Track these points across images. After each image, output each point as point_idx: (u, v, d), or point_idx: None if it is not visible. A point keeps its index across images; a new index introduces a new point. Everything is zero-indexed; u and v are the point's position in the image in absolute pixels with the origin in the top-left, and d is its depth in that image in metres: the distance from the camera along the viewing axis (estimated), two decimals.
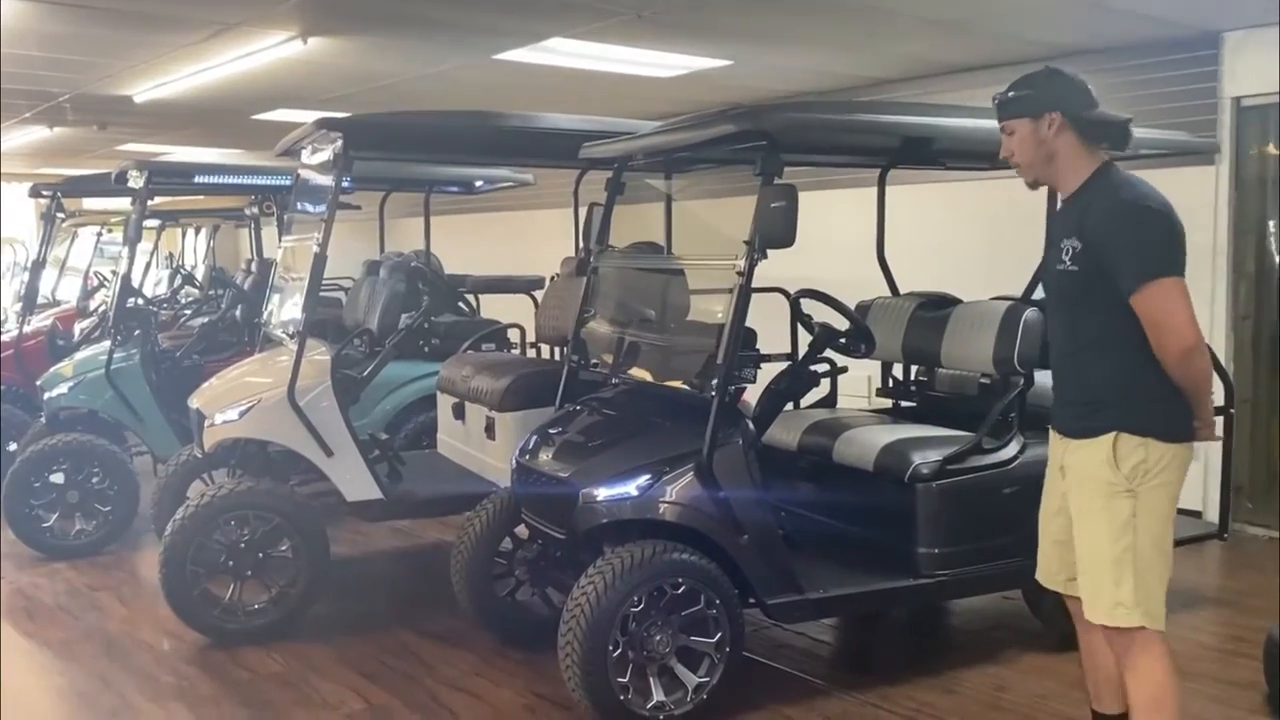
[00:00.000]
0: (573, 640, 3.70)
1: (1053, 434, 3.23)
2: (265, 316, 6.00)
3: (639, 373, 4.46)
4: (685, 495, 3.85)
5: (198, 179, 7.37)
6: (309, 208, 5.87)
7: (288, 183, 7.58)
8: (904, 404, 5.44)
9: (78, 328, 8.82)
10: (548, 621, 4.71)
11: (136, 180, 6.73)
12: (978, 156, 5.44)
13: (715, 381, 3.85)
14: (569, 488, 4.00)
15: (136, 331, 6.85)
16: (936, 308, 5.11)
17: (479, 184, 7.87)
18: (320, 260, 4.97)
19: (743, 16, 6.08)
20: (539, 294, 7.46)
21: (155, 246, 12.14)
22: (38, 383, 6.88)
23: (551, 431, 4.48)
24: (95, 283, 10.73)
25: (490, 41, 6.60)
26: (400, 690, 4.31)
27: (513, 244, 10.93)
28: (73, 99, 8.40)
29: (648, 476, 3.87)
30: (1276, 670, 4.09)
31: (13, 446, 7.12)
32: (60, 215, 8.79)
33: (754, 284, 3.89)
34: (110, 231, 11.23)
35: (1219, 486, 5.06)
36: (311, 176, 6.00)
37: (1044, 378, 4.73)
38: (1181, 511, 3.20)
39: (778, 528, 4.02)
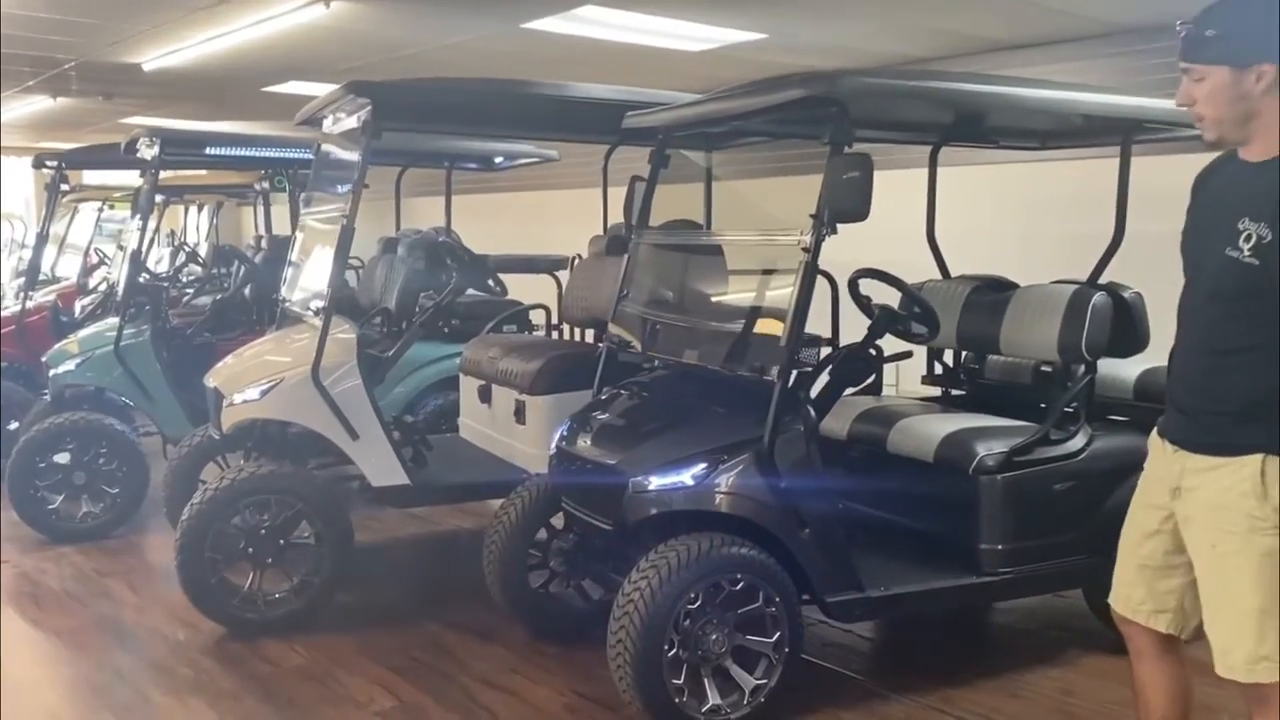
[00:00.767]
0: (625, 639, 3.46)
1: (1160, 444, 2.74)
2: (283, 293, 5.74)
3: (688, 356, 4.20)
4: (744, 485, 3.62)
5: (211, 150, 7.07)
6: (331, 181, 5.59)
7: (306, 156, 7.33)
8: (954, 392, 5.20)
9: (78, 305, 8.56)
10: (584, 616, 4.51)
11: (148, 150, 6.46)
12: (1035, 135, 5.23)
13: (779, 366, 3.61)
14: (617, 476, 3.77)
15: (146, 308, 6.60)
16: (993, 291, 4.87)
17: (499, 160, 7.63)
18: (348, 233, 4.71)
19: None
20: (562, 275, 7.26)
21: (157, 224, 11.88)
22: (42, 359, 6.62)
23: (594, 416, 4.23)
24: (95, 260, 10.46)
25: (521, 8, 6.34)
26: (432, 687, 4.08)
27: (530, 225, 10.69)
28: (79, 66, 8.12)
29: (703, 465, 3.63)
30: None
31: (14, 425, 6.86)
32: (64, 187, 8.51)
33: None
34: (112, 208, 10.95)
35: None
36: (333, 149, 5.74)
37: (1106, 366, 4.54)
38: None
39: (839, 521, 3.78)
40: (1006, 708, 3.89)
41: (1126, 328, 4.39)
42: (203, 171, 10.93)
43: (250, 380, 4.79)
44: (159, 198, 10.66)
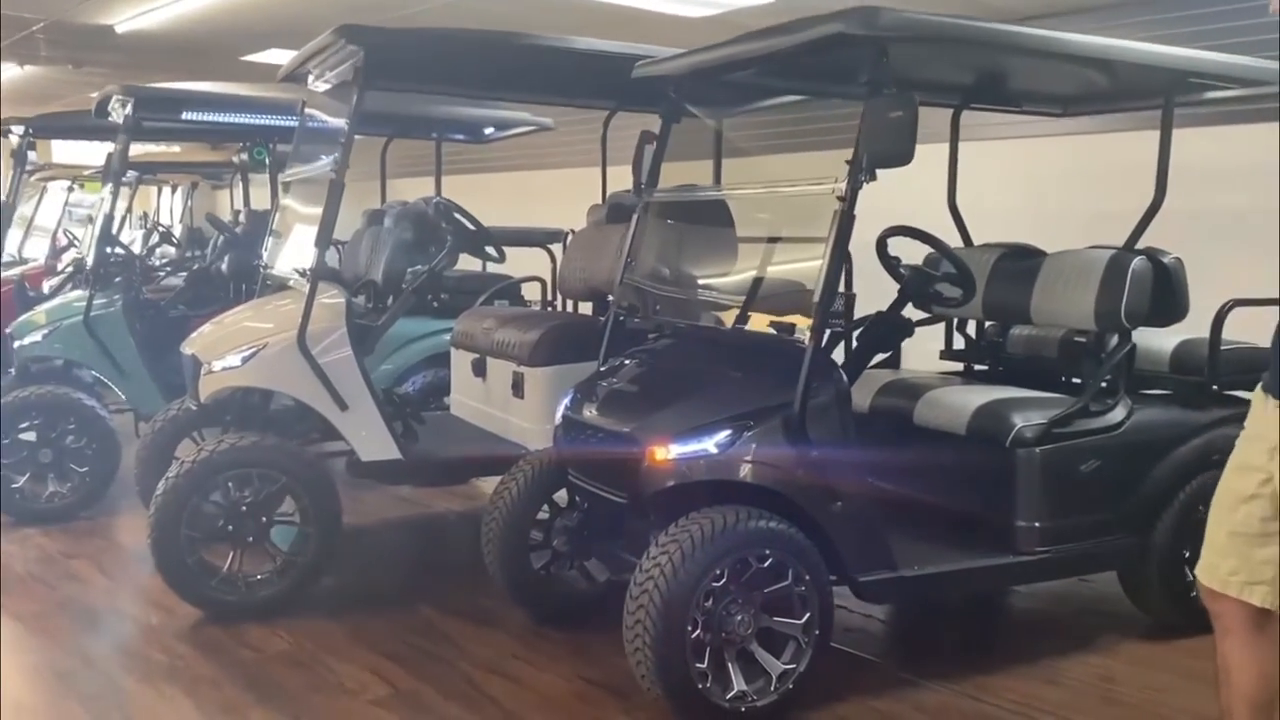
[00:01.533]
0: (645, 619, 3.18)
1: (1263, 401, 2.52)
2: (265, 258, 5.42)
3: (707, 319, 3.92)
4: (773, 454, 3.35)
5: (188, 115, 6.71)
6: (317, 143, 5.27)
7: (288, 123, 6.99)
8: (976, 367, 4.95)
9: (46, 286, 8.18)
10: (589, 598, 4.24)
11: (120, 110, 6.11)
12: (1062, 98, 4.99)
13: (811, 325, 3.33)
14: (632, 444, 3.48)
15: (117, 279, 6.25)
16: (1021, 259, 4.62)
17: (489, 130, 7.32)
18: (338, 187, 4.40)
19: None
20: (555, 249, 6.97)
21: (129, 203, 11.48)
22: (6, 330, 6.26)
23: (603, 384, 3.95)
24: (64, 242, 10.06)
25: None
26: (430, 674, 3.78)
27: (521, 204, 10.33)
28: (48, 28, 7.73)
29: (728, 432, 3.35)
30: None
31: None
32: (31, 157, 8.13)
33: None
34: (82, 188, 10.55)
35: None
36: (319, 111, 5.42)
37: (1140, 337, 4.29)
38: None
39: (873, 494, 3.51)
40: (1046, 695, 3.63)
41: (1166, 295, 4.14)
42: (177, 149, 10.55)
43: (231, 346, 4.47)
44: (130, 174, 10.34)
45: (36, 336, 5.95)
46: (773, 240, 3.97)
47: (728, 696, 3.28)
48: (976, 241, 4.97)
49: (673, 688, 3.20)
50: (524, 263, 6.67)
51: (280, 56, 8.56)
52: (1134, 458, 4.01)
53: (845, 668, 3.81)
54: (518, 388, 4.87)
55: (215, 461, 4.16)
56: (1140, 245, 4.12)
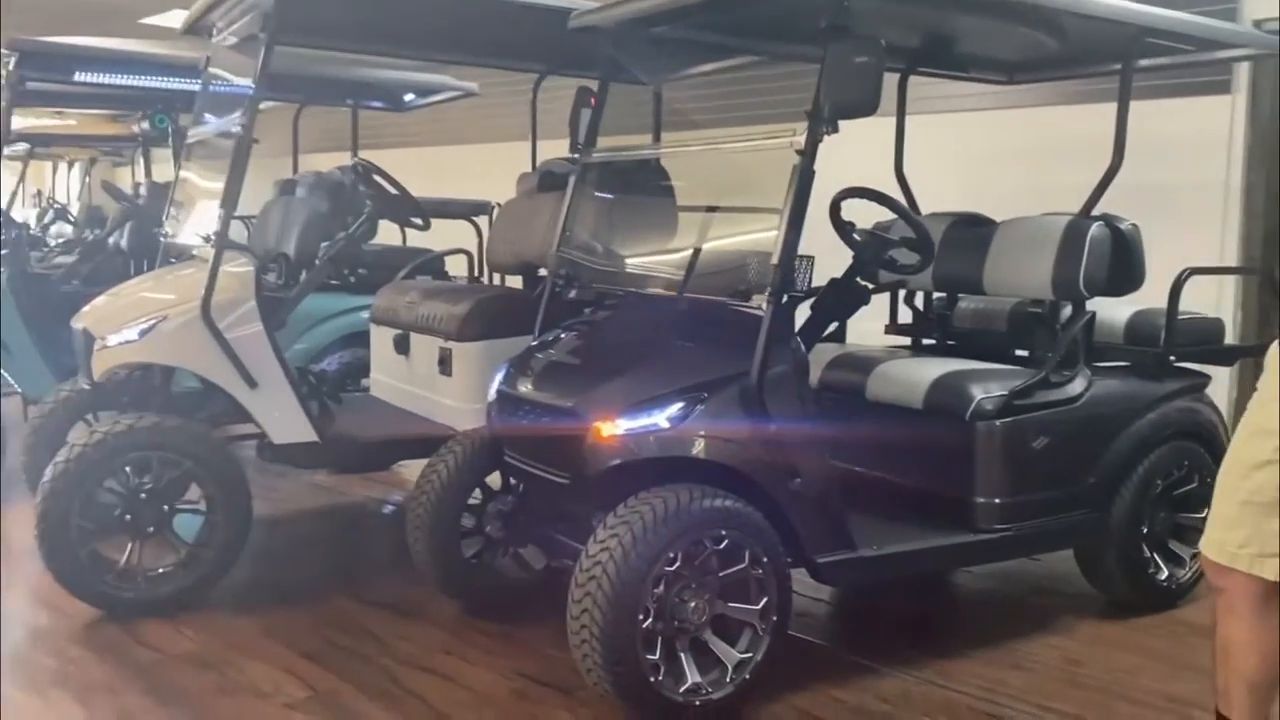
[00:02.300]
0: (592, 608, 2.91)
1: (1277, 359, 2.31)
2: (166, 227, 5.00)
3: (654, 285, 3.65)
4: (729, 428, 3.10)
5: (81, 75, 6.20)
6: (221, 104, 4.87)
7: (191, 86, 6.54)
8: (924, 341, 4.77)
9: None
10: (524, 587, 3.97)
11: (3, 65, 5.62)
12: (1008, 64, 4.83)
13: (770, 289, 3.09)
14: (576, 420, 3.21)
15: (2, 251, 5.77)
16: (971, 227, 4.45)
17: (409, 97, 6.95)
18: (244, 145, 4.03)
19: None
20: (481, 222, 6.64)
21: (21, 179, 10.81)
22: None
23: (541, 357, 3.67)
24: None
25: None
26: (352, 673, 3.46)
27: (440, 180, 9.95)
28: None
29: (680, 405, 3.09)
30: None
31: None
32: None
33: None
34: None
35: None
36: (223, 70, 5.02)
37: (1095, 307, 4.15)
38: None
39: (831, 471, 3.29)
40: (1012, 680, 3.46)
41: (1123, 263, 4.00)
42: (72, 121, 9.92)
43: (128, 319, 4.07)
44: (20, 146, 9.70)
45: None
46: (724, 205, 3.71)
47: (681, 690, 3.03)
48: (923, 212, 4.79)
49: (622, 682, 2.94)
50: (447, 236, 6.33)
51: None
52: (1093, 431, 3.87)
53: (799, 655, 3.59)
54: (445, 364, 4.56)
55: (111, 445, 3.78)
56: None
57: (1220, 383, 4.72)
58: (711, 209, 3.94)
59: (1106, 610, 4.05)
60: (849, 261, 3.55)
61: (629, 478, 3.18)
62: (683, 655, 3.05)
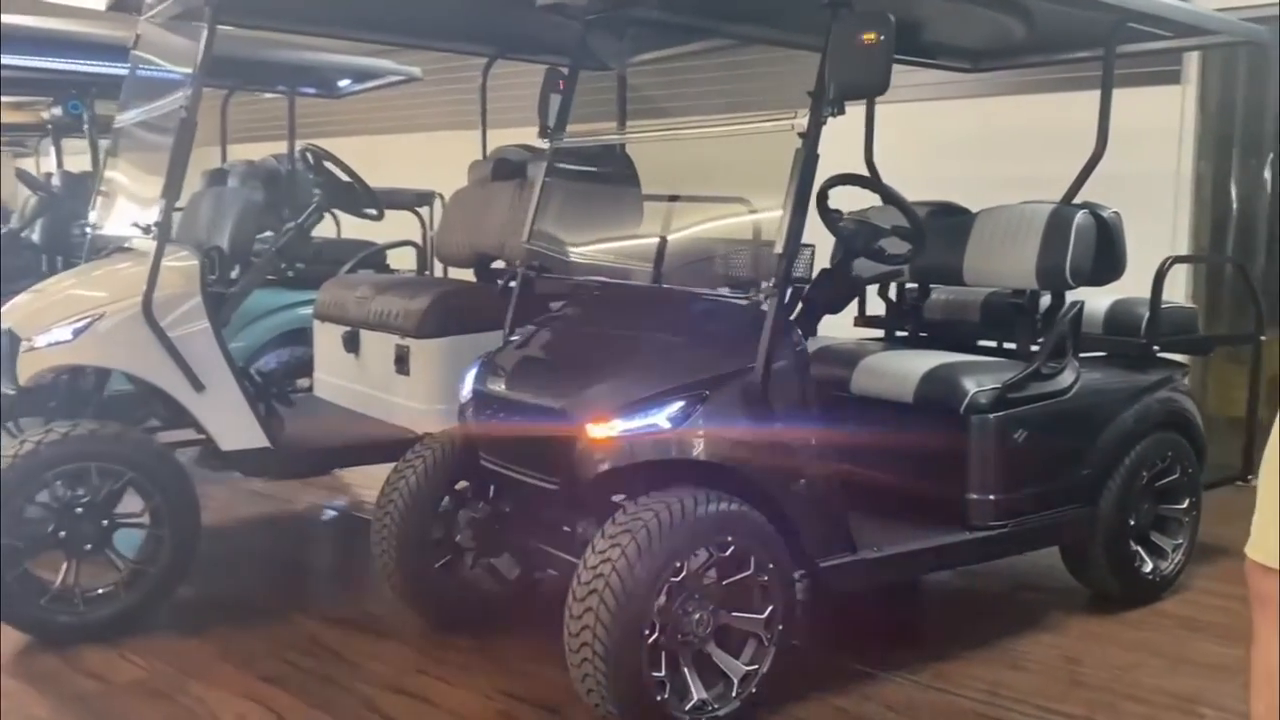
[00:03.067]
0: (594, 624, 2.71)
1: None
2: (92, 219, 4.64)
3: (639, 277, 3.46)
4: (733, 428, 2.93)
5: None
6: (154, 87, 4.52)
7: (109, 70, 6.14)
8: (898, 334, 4.66)
9: None
10: (497, 599, 3.73)
11: None
12: (982, 50, 4.75)
13: (773, 281, 2.92)
14: (566, 421, 3.00)
15: None
16: (948, 216, 4.35)
17: (344, 83, 6.63)
18: (188, 128, 3.73)
19: None
20: (424, 212, 6.38)
21: None
22: None
23: (521, 354, 3.45)
24: None
25: None
26: (321, 697, 3.21)
27: (379, 170, 9.61)
28: None
29: (680, 404, 2.91)
30: None
31: None
32: None
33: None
34: None
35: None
36: (153, 48, 4.65)
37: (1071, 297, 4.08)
38: None
39: (833, 470, 3.13)
40: (1013, 682, 3.35)
41: (1106, 251, 3.93)
42: None
43: (58, 318, 3.73)
44: None
45: None
46: (709, 193, 3.54)
47: (687, 708, 2.85)
48: None
49: (628, 702, 2.75)
50: (389, 228, 6.04)
51: None
52: (1083, 423, 3.79)
53: (795, 663, 3.42)
54: (402, 363, 4.31)
55: (44, 455, 3.44)
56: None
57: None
58: (695, 198, 3.79)
59: (1092, 604, 3.98)
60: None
61: (623, 482, 2.99)
62: (687, 670, 2.87)
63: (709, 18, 3.91)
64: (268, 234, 6.11)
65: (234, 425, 3.84)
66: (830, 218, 3.48)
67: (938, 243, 4.19)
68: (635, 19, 3.92)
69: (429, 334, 4.23)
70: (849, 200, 3.59)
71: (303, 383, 5.40)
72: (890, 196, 3.52)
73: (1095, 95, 4.00)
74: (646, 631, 2.74)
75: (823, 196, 3.53)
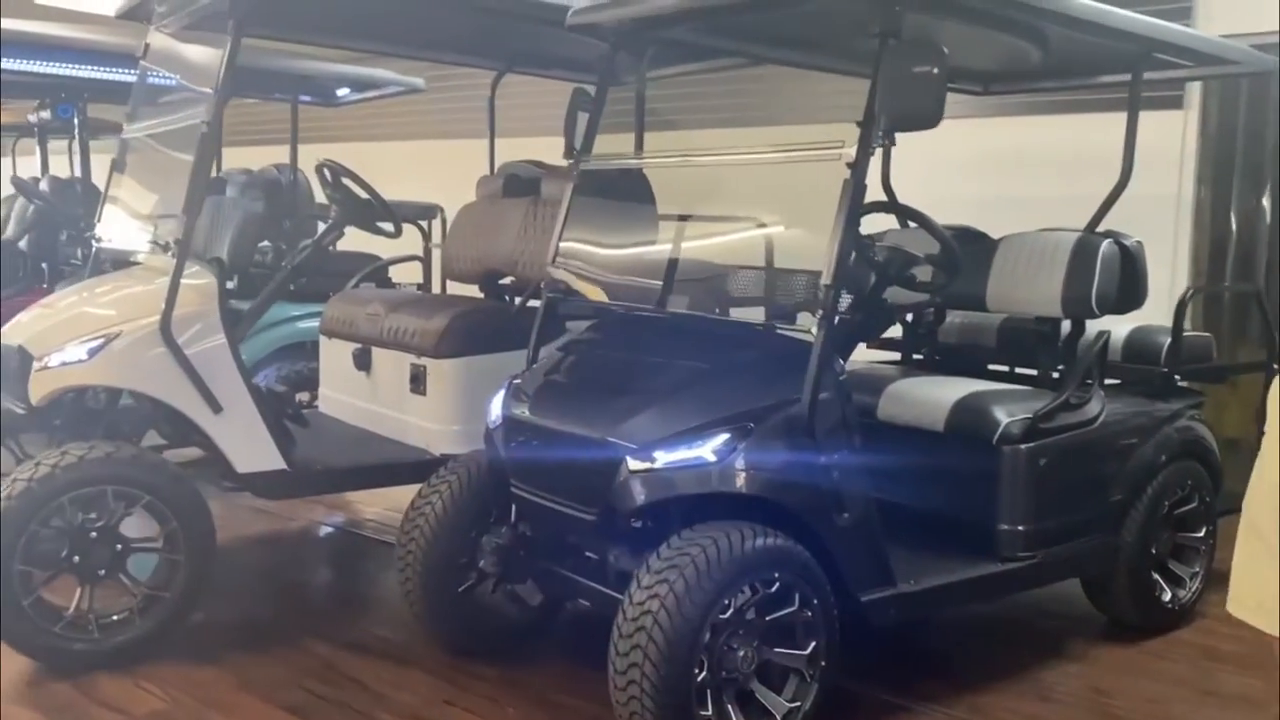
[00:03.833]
0: (641, 661, 2.66)
1: None
2: (99, 231, 4.54)
3: (676, 304, 3.42)
4: (779, 461, 2.89)
5: None
6: (164, 98, 4.42)
7: (108, 75, 6.05)
8: (915, 357, 4.65)
9: None
10: (519, 626, 3.68)
11: None
12: (995, 74, 4.75)
13: (821, 312, 2.89)
14: (606, 451, 2.96)
15: None
16: (969, 242, 4.33)
17: (343, 92, 6.56)
18: (209, 143, 3.64)
19: None
20: (425, 224, 6.30)
21: None
22: None
23: (551, 378, 3.40)
24: None
25: None
26: None
27: (386, 179, 9.51)
28: None
29: (725, 436, 2.87)
30: None
31: None
32: None
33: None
34: None
35: None
36: (164, 57, 4.55)
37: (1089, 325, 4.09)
38: None
39: (873, 503, 3.11)
40: (1046, 715, 3.34)
41: (1130, 280, 3.94)
42: None
43: (71, 336, 3.64)
44: None
45: None
46: (747, 217, 3.51)
47: None
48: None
49: None
50: (389, 241, 5.97)
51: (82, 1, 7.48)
52: (1109, 453, 3.80)
53: (829, 696, 3.39)
54: (418, 382, 4.24)
55: (60, 479, 3.35)
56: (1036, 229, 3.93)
57: None
58: (717, 218, 3.77)
59: (1110, 632, 3.98)
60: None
61: (664, 514, 2.95)
62: (731, 708, 2.83)
63: (745, 41, 3.88)
64: (263, 243, 6.05)
65: (250, 447, 3.75)
66: (861, 245, 3.45)
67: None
68: (662, 39, 3.88)
69: (446, 354, 4.16)
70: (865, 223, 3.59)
71: (301, 397, 5.32)
72: (927, 224, 3.50)
73: (1100, 118, 4.01)
74: (696, 669, 2.70)
75: None
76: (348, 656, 3.65)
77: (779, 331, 3.03)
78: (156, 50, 4.45)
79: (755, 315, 3.56)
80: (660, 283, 3.64)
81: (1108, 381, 4.14)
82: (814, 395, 2.89)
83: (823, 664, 2.93)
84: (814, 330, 2.90)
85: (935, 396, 3.69)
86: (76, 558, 3.45)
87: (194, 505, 3.58)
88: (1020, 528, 3.54)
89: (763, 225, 3.57)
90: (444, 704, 3.32)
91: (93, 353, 3.56)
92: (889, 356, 4.71)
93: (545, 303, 3.74)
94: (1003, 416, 3.53)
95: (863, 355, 4.72)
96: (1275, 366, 4.50)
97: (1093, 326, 4.10)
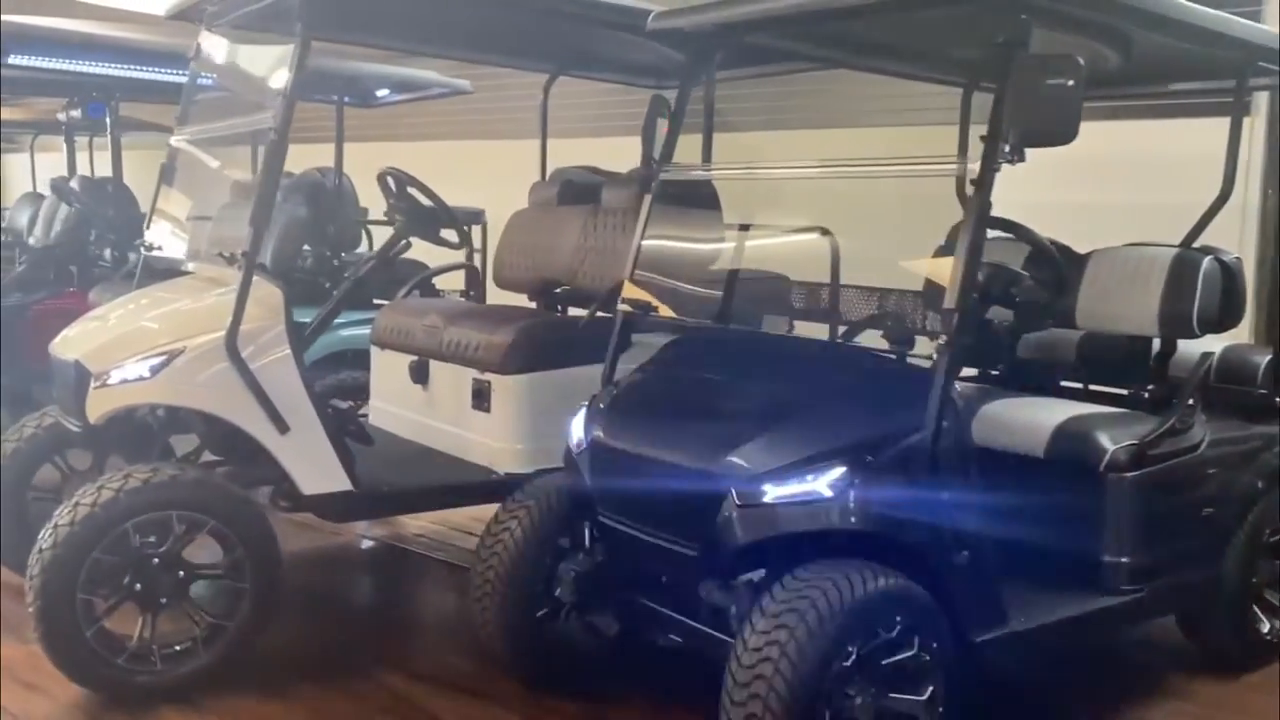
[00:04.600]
0: (761, 712, 2.50)
1: None
2: (149, 238, 4.37)
3: (771, 325, 3.26)
4: (901, 497, 2.73)
5: (15, 58, 5.47)
6: (219, 100, 4.26)
7: (138, 74, 5.90)
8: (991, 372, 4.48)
9: None
10: (594, 657, 3.51)
11: None
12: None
13: (945, 338, 2.73)
14: (712, 482, 2.80)
15: None
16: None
17: (383, 93, 6.40)
18: (278, 149, 3.48)
19: None
20: (469, 231, 6.13)
21: None
22: None
23: (640, 403, 3.24)
24: None
25: None
26: None
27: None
28: None
29: (842, 470, 2.71)
30: None
31: None
32: None
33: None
34: None
35: None
36: (218, 53, 4.37)
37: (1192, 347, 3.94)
38: None
39: (989, 539, 2.95)
40: None
41: (1229, 298, 3.78)
42: None
43: (132, 352, 3.47)
44: None
45: None
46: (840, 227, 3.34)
47: None
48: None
49: None
50: (425, 247, 5.80)
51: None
52: (1211, 480, 3.63)
53: None
54: (481, 398, 4.08)
55: (124, 504, 3.19)
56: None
57: None
58: (805, 231, 3.61)
59: (1206, 665, 3.82)
60: None
61: (773, 551, 2.79)
62: None
63: (826, 46, 3.71)
64: (306, 248, 5.89)
65: (317, 467, 3.60)
66: None
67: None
68: (747, 45, 3.71)
69: (512, 369, 4.00)
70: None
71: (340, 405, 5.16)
72: (1032, 240, 3.34)
73: (1158, 125, 3.82)
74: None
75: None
76: (418, 687, 3.49)
77: (893, 357, 2.85)
78: (208, 51, 4.28)
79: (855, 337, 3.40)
80: (749, 300, 3.48)
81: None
82: (938, 426, 2.72)
83: (940, 710, 2.77)
84: (935, 356, 2.74)
85: (1034, 420, 3.53)
86: (138, 585, 3.29)
87: (260, 531, 3.42)
88: (1125, 560, 3.37)
89: (845, 239, 3.40)
90: None
91: (155, 370, 3.40)
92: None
93: (622, 318, 3.58)
94: (1109, 443, 3.37)
95: None
96: None
97: (1183, 346, 3.96)
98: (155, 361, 3.42)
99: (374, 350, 4.75)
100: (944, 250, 3.87)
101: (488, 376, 4.05)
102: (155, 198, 4.39)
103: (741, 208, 3.91)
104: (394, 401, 4.59)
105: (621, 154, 5.61)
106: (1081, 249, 4.01)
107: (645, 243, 3.65)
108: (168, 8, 4.22)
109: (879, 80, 4.69)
